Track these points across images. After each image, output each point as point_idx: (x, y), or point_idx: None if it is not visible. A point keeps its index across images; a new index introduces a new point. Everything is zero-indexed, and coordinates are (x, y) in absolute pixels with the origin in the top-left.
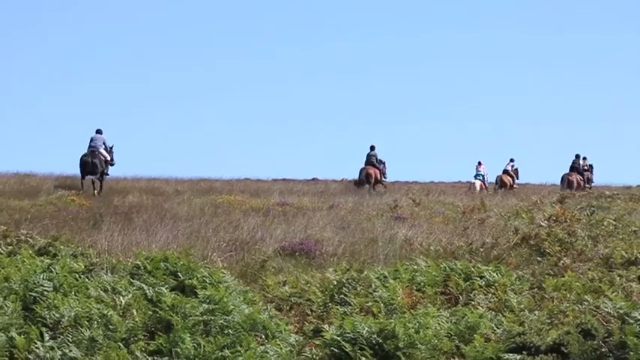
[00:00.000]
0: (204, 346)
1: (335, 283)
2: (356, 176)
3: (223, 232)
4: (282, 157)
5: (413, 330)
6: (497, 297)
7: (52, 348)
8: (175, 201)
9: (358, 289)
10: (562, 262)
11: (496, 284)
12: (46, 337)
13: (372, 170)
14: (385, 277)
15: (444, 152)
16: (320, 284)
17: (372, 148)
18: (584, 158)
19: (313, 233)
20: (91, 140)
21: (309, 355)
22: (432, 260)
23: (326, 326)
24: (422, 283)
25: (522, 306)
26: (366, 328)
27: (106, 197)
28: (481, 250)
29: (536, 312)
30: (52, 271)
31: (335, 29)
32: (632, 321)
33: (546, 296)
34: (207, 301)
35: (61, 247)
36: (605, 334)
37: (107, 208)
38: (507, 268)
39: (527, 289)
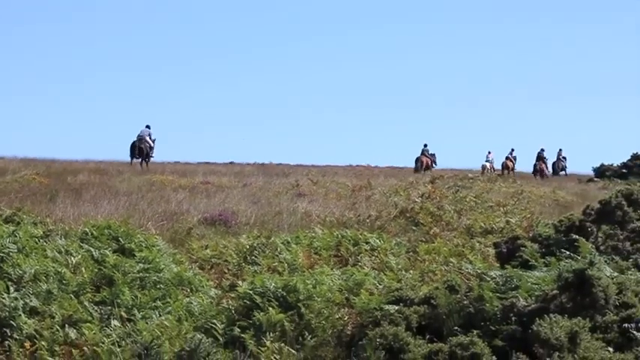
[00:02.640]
0: (140, 297)
1: (247, 247)
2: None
3: (156, 205)
4: (205, 143)
5: (311, 285)
6: (379, 259)
7: (16, 298)
8: (117, 180)
9: (266, 252)
10: (432, 231)
11: (379, 249)
12: (11, 289)
13: (424, 159)
14: (289, 242)
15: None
16: (235, 248)
17: (425, 145)
18: (560, 150)
19: (230, 206)
20: (140, 132)
21: (226, 306)
22: (327, 229)
23: (240, 282)
24: (318, 248)
25: (400, 266)
26: (273, 284)
27: (60, 176)
28: (367, 221)
29: (411, 271)
30: (16, 236)
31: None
32: (488, 279)
33: (419, 259)
34: (143, 261)
35: (24, 216)
36: (467, 290)
37: (61, 185)
38: (388, 236)
39: (404, 253)
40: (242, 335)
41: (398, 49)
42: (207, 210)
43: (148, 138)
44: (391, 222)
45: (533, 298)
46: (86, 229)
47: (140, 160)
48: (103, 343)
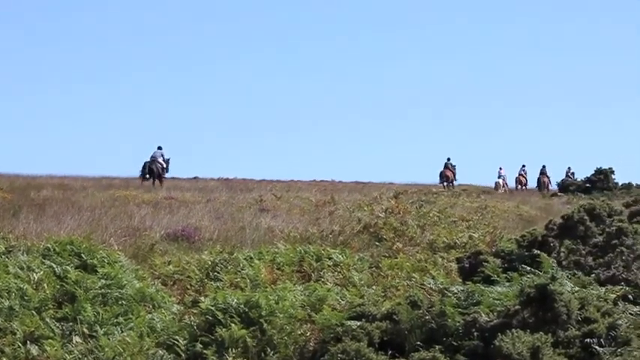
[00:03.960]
0: (102, 314)
1: (210, 262)
2: None
3: (119, 220)
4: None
5: (273, 301)
6: (342, 274)
7: None
8: (81, 195)
9: (229, 267)
10: (395, 246)
11: (342, 264)
12: None
13: (448, 172)
14: (251, 258)
15: (301, 154)
16: (198, 264)
17: (449, 159)
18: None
19: (193, 222)
20: (153, 153)
21: (188, 322)
22: (290, 244)
23: (202, 298)
24: (281, 263)
25: (362, 282)
26: (235, 300)
27: (23, 191)
28: (330, 236)
29: (374, 287)
30: None
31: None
32: (450, 294)
33: (382, 274)
34: (105, 277)
35: None
36: (429, 305)
37: (25, 201)
38: (351, 251)
39: (367, 268)
40: (204, 351)
41: (361, 62)
42: (170, 225)
43: (160, 159)
44: (354, 237)
45: (495, 313)
46: (48, 245)
47: (151, 179)
48: (65, 359)
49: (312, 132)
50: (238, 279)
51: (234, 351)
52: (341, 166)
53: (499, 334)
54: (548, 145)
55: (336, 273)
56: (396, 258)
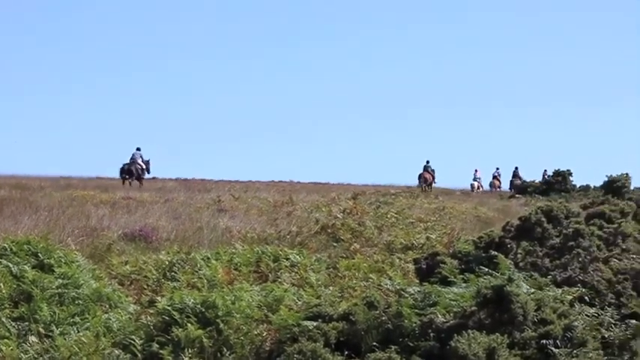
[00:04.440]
0: (58, 313)
1: (167, 262)
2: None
3: (77, 220)
4: (127, 158)
5: (230, 301)
6: (299, 275)
7: None
8: (39, 195)
9: (186, 268)
10: (353, 247)
11: (299, 265)
12: None
13: (427, 175)
14: (209, 258)
15: (260, 154)
16: (155, 264)
17: (428, 162)
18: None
19: (151, 222)
20: (132, 155)
21: (145, 322)
22: (247, 245)
23: (159, 298)
24: (238, 264)
25: (320, 282)
26: (192, 300)
27: None
28: (288, 236)
29: (331, 287)
30: None
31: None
32: (407, 295)
33: (339, 274)
34: (62, 277)
35: None
36: (386, 306)
37: None
38: (308, 252)
39: (324, 269)
40: (160, 351)
41: (321, 63)
42: (128, 225)
43: (139, 160)
44: (312, 238)
45: (451, 314)
46: (5, 245)
47: (130, 180)
48: (21, 359)
49: (270, 133)
50: (195, 279)
51: (190, 351)
52: (299, 166)
53: (455, 334)
54: (518, 146)
55: (294, 273)
56: (354, 259)
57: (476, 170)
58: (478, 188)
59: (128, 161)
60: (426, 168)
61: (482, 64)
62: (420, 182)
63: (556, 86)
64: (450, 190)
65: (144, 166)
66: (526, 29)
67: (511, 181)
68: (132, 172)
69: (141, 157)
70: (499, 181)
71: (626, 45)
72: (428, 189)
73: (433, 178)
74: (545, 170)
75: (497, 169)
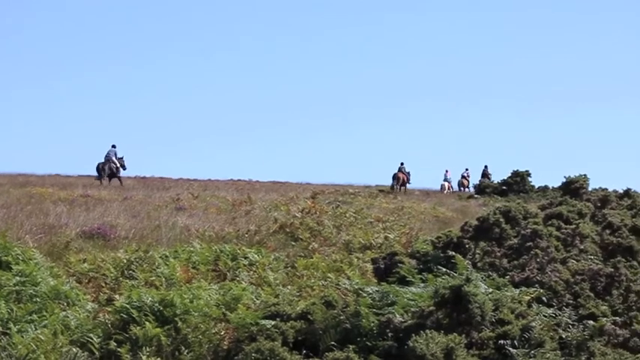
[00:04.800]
0: (16, 311)
1: (125, 261)
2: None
3: (35, 218)
4: (87, 155)
5: (188, 300)
6: (257, 274)
7: None
8: None
9: (144, 266)
10: (311, 246)
11: (257, 263)
12: None
13: (401, 175)
14: (167, 256)
15: (219, 153)
16: (113, 262)
17: (402, 163)
18: (486, 166)
19: (109, 220)
20: (107, 152)
21: (103, 320)
22: (205, 243)
23: (117, 296)
24: (197, 262)
25: (278, 281)
26: (150, 298)
27: None
28: (246, 235)
29: (289, 286)
30: None
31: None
32: (365, 294)
33: (297, 274)
34: (20, 274)
35: None
36: (344, 305)
37: None
38: (267, 251)
39: (282, 268)
40: (118, 349)
41: (279, 62)
42: (86, 223)
43: (114, 158)
44: (270, 237)
45: (409, 314)
46: None
47: (108, 178)
48: None
49: (229, 132)
50: (153, 277)
51: (148, 349)
52: (258, 166)
53: (413, 334)
54: (490, 147)
55: (252, 272)
56: (312, 258)
57: (446, 171)
58: (449, 189)
59: (103, 160)
60: (400, 169)
61: (452, 63)
62: (393, 182)
63: (528, 86)
64: (425, 190)
65: (117, 164)
66: (494, 27)
67: (480, 181)
68: (105, 171)
69: (115, 154)
70: (467, 180)
71: (594, 47)
72: (400, 189)
73: (407, 179)
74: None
75: (467, 169)
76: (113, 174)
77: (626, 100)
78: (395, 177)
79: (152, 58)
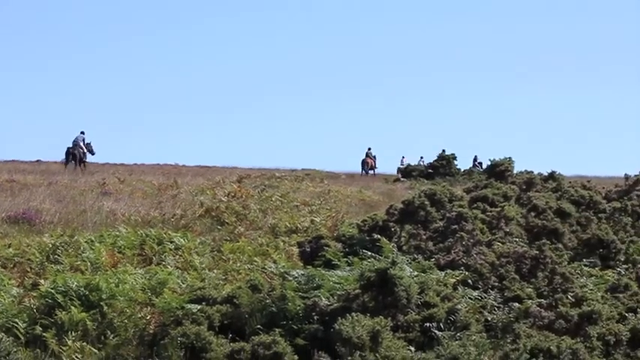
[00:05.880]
0: None
1: (50, 245)
2: None
3: None
4: (12, 141)
5: (114, 284)
6: (183, 258)
7: None
8: None
9: (70, 251)
10: (237, 230)
11: (183, 248)
12: None
13: (369, 160)
14: (92, 241)
15: (145, 137)
16: (38, 247)
17: (369, 149)
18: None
19: (34, 205)
20: (75, 138)
21: (28, 305)
22: (131, 228)
23: (42, 281)
24: (122, 247)
25: (204, 265)
26: (75, 283)
27: None
28: (172, 219)
29: (215, 270)
30: None
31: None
32: (290, 278)
33: (223, 258)
34: None
35: None
36: (270, 289)
37: None
38: (193, 235)
39: (209, 252)
40: (44, 334)
41: (204, 46)
42: (11, 208)
43: (82, 144)
44: (196, 221)
45: (335, 297)
46: None
47: (74, 164)
48: None
49: (156, 116)
50: (79, 262)
51: (74, 334)
52: (185, 150)
53: (339, 318)
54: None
55: (178, 256)
56: (238, 242)
57: (403, 157)
58: (371, 167)
59: (71, 145)
60: (367, 154)
61: (378, 47)
62: (362, 167)
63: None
64: (350, 173)
65: (85, 150)
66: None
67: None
68: (75, 155)
69: (83, 140)
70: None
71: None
72: (369, 174)
73: (374, 163)
74: (476, 156)
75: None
76: (80, 159)
77: (553, 82)
78: (363, 162)
79: (75, 44)
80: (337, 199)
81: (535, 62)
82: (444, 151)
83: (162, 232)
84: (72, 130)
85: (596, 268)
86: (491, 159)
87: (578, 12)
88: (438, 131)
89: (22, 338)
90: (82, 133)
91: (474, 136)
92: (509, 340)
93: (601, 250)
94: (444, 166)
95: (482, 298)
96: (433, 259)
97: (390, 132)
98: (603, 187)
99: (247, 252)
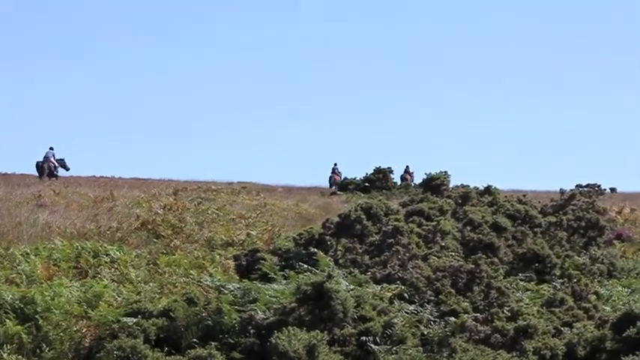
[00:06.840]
0: None
1: None
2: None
3: None
4: None
5: (49, 297)
6: (119, 271)
7: None
8: None
9: (4, 263)
10: (173, 243)
11: (119, 260)
12: None
13: (336, 176)
14: (28, 253)
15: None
16: None
17: (335, 164)
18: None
19: None
20: (46, 153)
21: None
22: (67, 240)
23: None
24: (58, 259)
25: (140, 279)
26: (10, 296)
27: None
28: (108, 232)
29: (151, 283)
30: None
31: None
32: (226, 291)
33: (159, 271)
34: None
35: None
36: (206, 302)
37: None
38: (129, 248)
39: (145, 265)
40: None
41: (137, 59)
42: None
43: (52, 159)
44: (132, 234)
45: (271, 310)
46: None
47: (46, 176)
48: None
49: (92, 128)
50: (14, 275)
51: (9, 347)
52: (121, 162)
53: (275, 331)
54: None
55: (113, 269)
56: (174, 255)
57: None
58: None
59: (42, 159)
60: (334, 170)
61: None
62: (330, 183)
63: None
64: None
65: (56, 164)
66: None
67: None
68: (44, 169)
69: (53, 155)
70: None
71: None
72: (336, 189)
73: (340, 178)
74: (408, 166)
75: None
76: (51, 172)
77: (484, 94)
78: (331, 179)
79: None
80: (273, 213)
81: (468, 75)
82: (378, 167)
83: (98, 244)
84: (8, 140)
85: (532, 283)
86: (427, 173)
87: (501, 30)
88: (370, 145)
89: None
90: (51, 149)
91: (408, 150)
92: (445, 355)
93: (537, 265)
94: (380, 179)
95: (418, 312)
96: (369, 273)
97: (324, 146)
98: (539, 202)
99: (183, 265)
